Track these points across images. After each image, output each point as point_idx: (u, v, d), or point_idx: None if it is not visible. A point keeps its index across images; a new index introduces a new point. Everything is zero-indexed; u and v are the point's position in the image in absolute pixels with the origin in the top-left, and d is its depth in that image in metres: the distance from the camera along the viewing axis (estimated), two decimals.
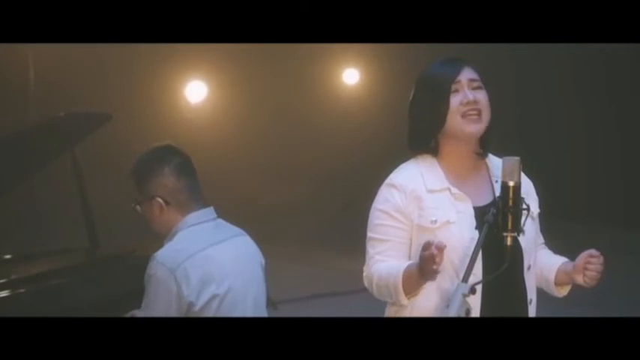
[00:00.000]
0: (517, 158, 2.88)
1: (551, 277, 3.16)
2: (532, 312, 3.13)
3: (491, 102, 3.09)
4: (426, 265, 2.83)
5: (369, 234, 3.11)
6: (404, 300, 2.98)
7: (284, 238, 9.46)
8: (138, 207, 3.59)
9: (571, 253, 3.16)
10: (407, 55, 9.46)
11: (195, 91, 10.39)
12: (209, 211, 3.60)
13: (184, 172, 3.57)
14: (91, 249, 4.84)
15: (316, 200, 11.25)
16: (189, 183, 3.57)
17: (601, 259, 3.05)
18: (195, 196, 3.57)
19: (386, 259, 3.05)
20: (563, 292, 3.20)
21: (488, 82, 3.11)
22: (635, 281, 8.42)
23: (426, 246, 2.84)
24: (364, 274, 3.10)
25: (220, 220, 3.64)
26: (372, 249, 3.09)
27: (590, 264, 3.04)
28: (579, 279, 3.07)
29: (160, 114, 9.33)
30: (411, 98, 3.12)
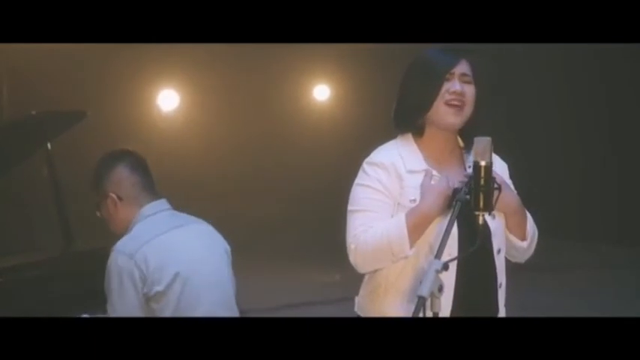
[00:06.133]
0: (488, 138, 2.93)
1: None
2: (501, 295, 3.19)
3: (481, 101, 3.15)
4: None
5: (353, 208, 3.12)
6: (407, 250, 3.00)
7: (255, 251, 9.47)
8: (98, 212, 3.69)
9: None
10: (379, 71, 9.52)
11: (167, 100, 10.44)
12: (162, 202, 3.68)
13: (137, 169, 3.67)
14: (65, 245, 4.85)
15: (289, 215, 11.26)
16: (142, 179, 3.66)
17: None
18: (148, 190, 3.66)
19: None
20: (516, 241, 3.18)
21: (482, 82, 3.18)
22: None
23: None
24: (352, 246, 3.08)
25: (175, 211, 3.71)
26: (357, 221, 3.09)
27: None
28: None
29: (132, 122, 9.34)
30: (403, 77, 3.18)
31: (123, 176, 3.62)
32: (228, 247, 3.77)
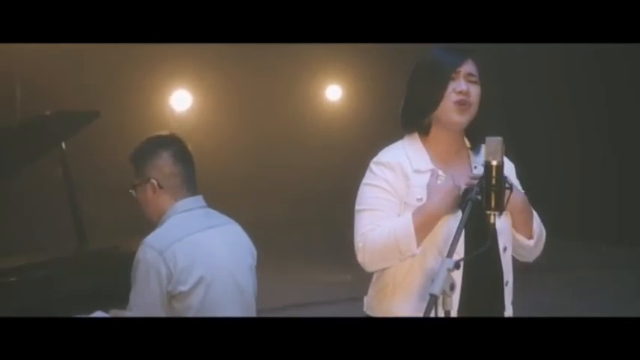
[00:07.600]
0: (499, 138, 2.95)
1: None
2: (508, 293, 3.22)
3: (487, 101, 3.21)
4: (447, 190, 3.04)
5: (361, 207, 3.16)
6: (415, 248, 3.04)
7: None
8: (133, 191, 3.66)
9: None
10: (392, 71, 9.52)
11: (180, 100, 10.48)
12: (198, 199, 3.67)
13: (181, 158, 3.65)
14: (78, 244, 4.87)
15: (297, 215, 11.28)
16: (185, 170, 3.64)
17: None
18: (189, 183, 3.65)
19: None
20: (523, 239, 3.23)
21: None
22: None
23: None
24: (359, 245, 3.11)
25: (210, 209, 3.71)
26: (364, 220, 3.12)
27: None
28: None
29: (144, 122, 9.35)
30: (409, 77, 3.22)
31: (166, 164, 3.60)
32: (254, 251, 3.77)
